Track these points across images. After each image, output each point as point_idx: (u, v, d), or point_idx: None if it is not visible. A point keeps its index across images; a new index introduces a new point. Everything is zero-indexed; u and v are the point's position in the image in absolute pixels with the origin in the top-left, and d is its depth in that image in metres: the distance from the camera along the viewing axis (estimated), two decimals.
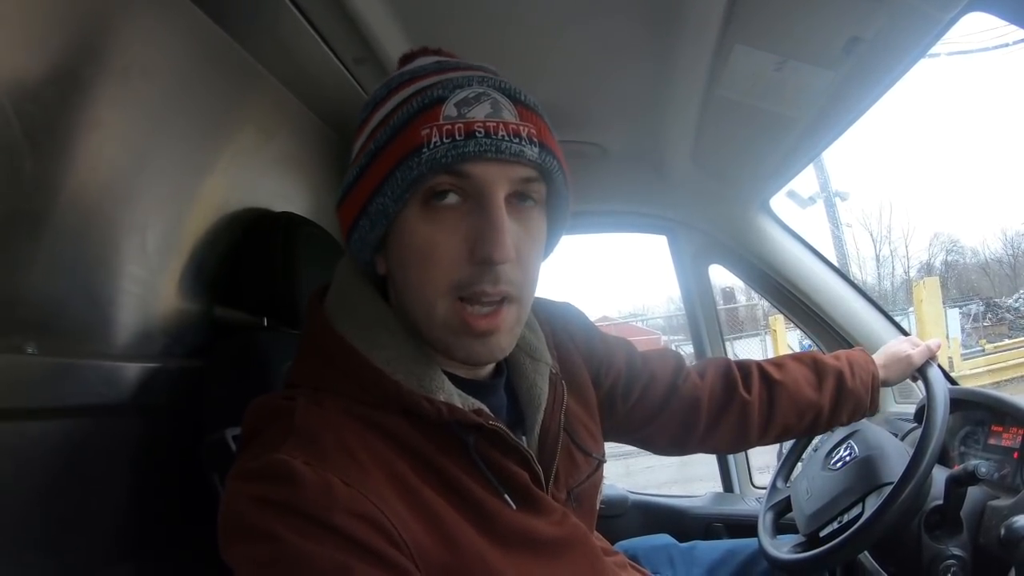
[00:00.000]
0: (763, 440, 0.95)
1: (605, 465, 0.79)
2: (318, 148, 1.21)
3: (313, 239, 1.03)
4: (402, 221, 0.57)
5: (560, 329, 0.81)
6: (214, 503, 0.55)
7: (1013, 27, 0.77)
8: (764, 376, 0.94)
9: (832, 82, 0.99)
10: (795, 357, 0.98)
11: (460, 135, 0.54)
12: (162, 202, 0.82)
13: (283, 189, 1.13)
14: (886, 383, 1.01)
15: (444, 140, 0.54)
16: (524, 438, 0.68)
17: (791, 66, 0.98)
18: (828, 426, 0.98)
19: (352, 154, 0.62)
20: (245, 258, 0.98)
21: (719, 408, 0.92)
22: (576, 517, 0.68)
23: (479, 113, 0.55)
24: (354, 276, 0.64)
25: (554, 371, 0.72)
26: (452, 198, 0.56)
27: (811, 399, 0.93)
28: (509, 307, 0.59)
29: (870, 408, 0.97)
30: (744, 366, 0.96)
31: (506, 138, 0.55)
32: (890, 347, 1.04)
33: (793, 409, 0.93)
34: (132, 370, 0.76)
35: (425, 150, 0.54)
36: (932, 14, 0.81)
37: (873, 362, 0.99)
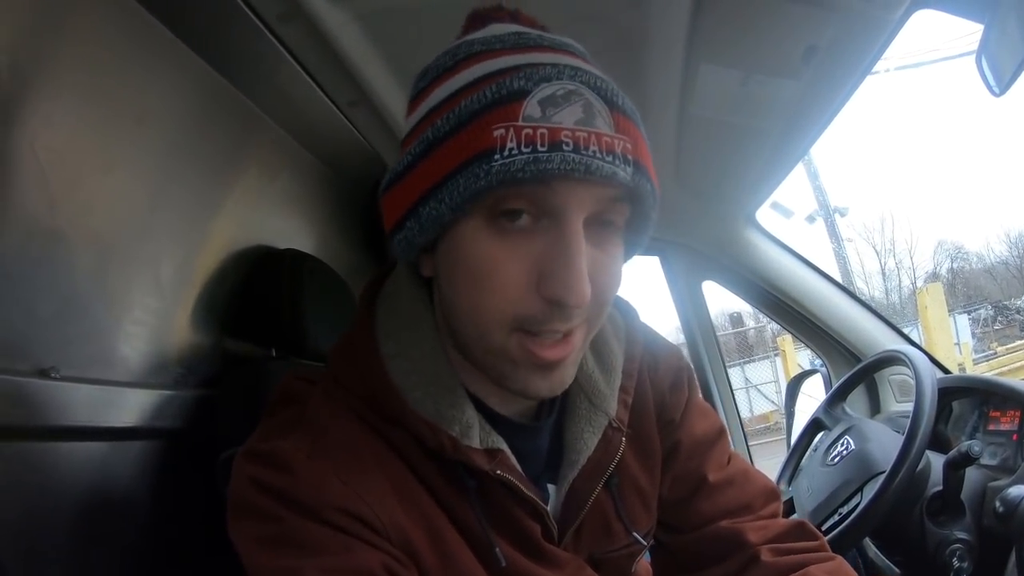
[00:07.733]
0: None
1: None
2: (317, 187, 1.27)
3: (316, 274, 1.08)
4: (459, 232, 0.48)
5: (653, 374, 0.67)
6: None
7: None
8: None
9: (797, 91, 1.04)
10: None
11: (543, 144, 0.43)
12: (175, 239, 0.88)
13: (286, 226, 1.19)
14: None
15: (523, 148, 0.43)
16: (553, 486, 0.60)
17: (756, 79, 1.03)
18: None
19: (404, 132, 0.52)
20: (253, 293, 1.03)
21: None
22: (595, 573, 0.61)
23: (567, 118, 0.44)
24: (409, 269, 0.57)
25: (614, 424, 0.61)
26: (523, 219, 0.47)
27: None
28: (579, 331, 0.50)
29: None
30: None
31: (598, 155, 0.44)
32: None
33: None
34: (149, 396, 0.80)
35: (497, 157, 0.43)
36: (881, 16, 0.85)
37: None
